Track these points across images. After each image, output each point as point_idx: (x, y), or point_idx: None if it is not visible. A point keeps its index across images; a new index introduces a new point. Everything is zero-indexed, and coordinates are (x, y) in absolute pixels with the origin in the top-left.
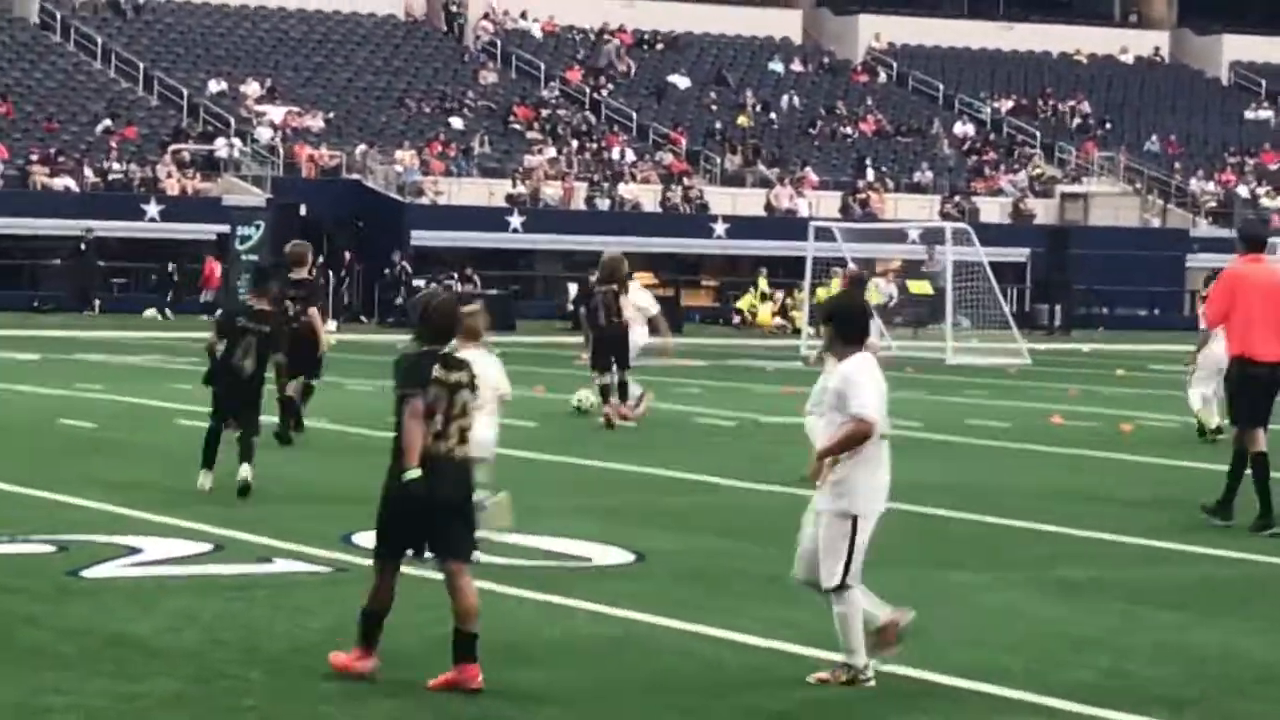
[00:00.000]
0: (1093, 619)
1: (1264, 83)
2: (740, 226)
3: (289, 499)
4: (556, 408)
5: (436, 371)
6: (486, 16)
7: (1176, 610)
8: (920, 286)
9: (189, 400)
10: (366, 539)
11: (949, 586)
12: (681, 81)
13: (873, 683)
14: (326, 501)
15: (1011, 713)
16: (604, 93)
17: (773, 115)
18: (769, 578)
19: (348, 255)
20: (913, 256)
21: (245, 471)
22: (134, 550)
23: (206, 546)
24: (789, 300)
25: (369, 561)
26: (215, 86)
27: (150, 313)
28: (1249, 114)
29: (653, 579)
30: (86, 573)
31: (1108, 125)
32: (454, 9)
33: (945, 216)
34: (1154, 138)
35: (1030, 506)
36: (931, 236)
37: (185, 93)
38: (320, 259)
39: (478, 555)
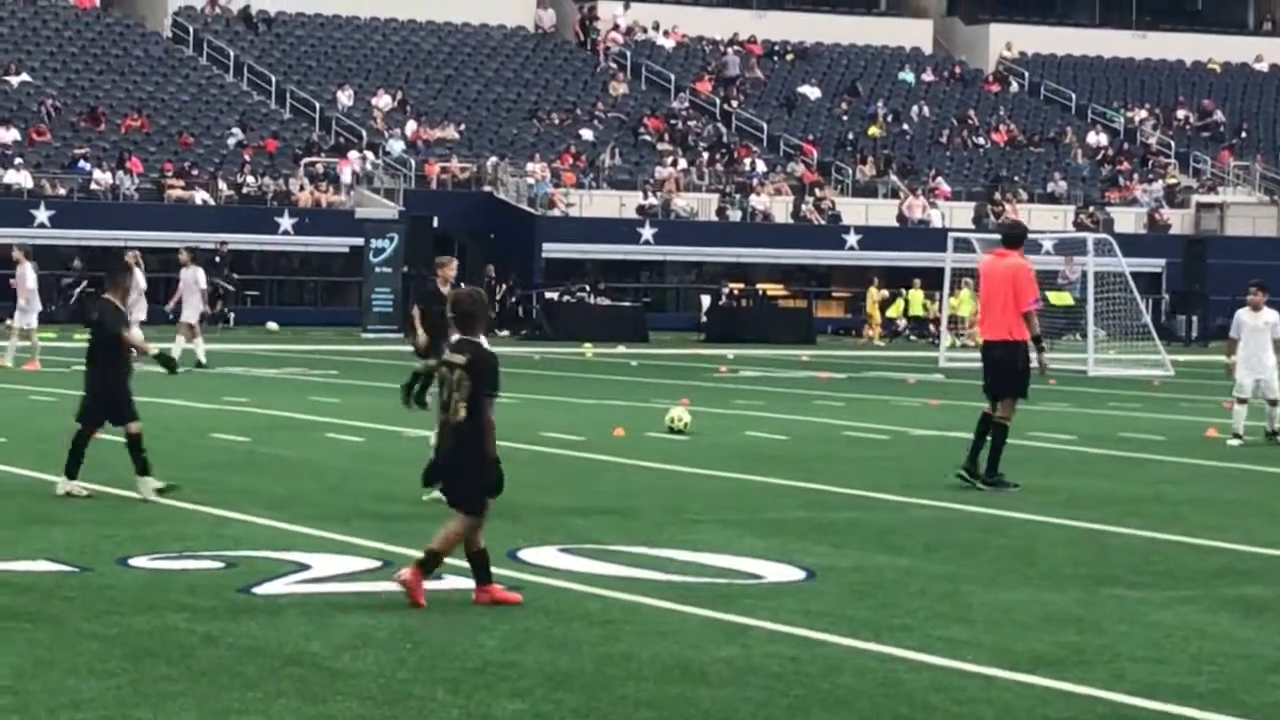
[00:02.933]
0: (1276, 638)
1: None
2: (872, 237)
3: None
4: (707, 421)
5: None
6: (616, 28)
7: None
8: (1060, 298)
9: (334, 413)
10: (533, 555)
11: (1120, 602)
12: (812, 92)
13: None
14: (492, 515)
15: None
16: (734, 104)
17: (904, 125)
18: (941, 595)
19: (491, 268)
20: (1048, 267)
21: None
22: (303, 566)
23: (374, 563)
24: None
25: (538, 579)
26: (350, 99)
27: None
28: None
29: (826, 596)
30: (258, 590)
31: (1243, 134)
32: (586, 22)
33: (1079, 227)
34: None
35: (1197, 521)
36: (1070, 247)
37: (318, 106)
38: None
39: None
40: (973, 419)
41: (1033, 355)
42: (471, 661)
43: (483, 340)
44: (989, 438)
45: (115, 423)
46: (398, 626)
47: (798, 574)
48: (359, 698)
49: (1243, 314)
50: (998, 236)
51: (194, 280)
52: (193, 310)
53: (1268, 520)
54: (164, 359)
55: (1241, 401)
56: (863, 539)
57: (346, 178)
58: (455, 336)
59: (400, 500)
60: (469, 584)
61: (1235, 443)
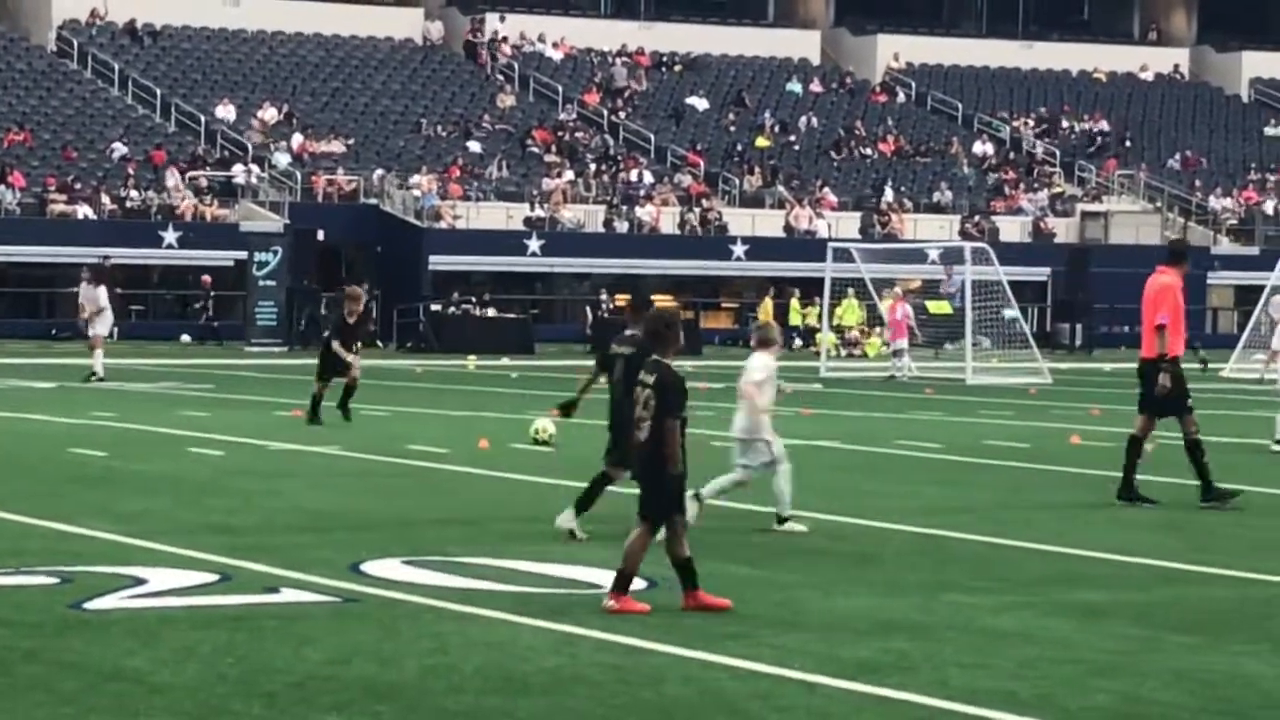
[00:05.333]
0: (1107, 642)
1: None
2: (759, 248)
3: (300, 528)
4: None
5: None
6: (505, 40)
7: (1188, 633)
8: (939, 307)
9: (201, 428)
10: (376, 567)
11: (957, 609)
12: (699, 103)
13: None
14: (337, 530)
15: None
16: (622, 115)
17: (791, 136)
18: (778, 602)
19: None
20: (932, 276)
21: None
22: (139, 581)
23: (213, 577)
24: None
25: (377, 591)
26: (234, 113)
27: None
28: (1269, 130)
29: (663, 606)
30: (89, 605)
31: (1128, 143)
32: (473, 35)
33: (965, 236)
34: (1174, 155)
35: (1044, 527)
36: (951, 256)
37: (203, 119)
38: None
39: None
40: (847, 428)
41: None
42: (294, 675)
43: (671, 361)
44: (1198, 457)
45: None
46: (224, 641)
47: (639, 584)
48: (173, 713)
49: None
50: (881, 246)
51: (95, 297)
52: (104, 325)
53: (1114, 526)
54: None
55: None
56: (710, 548)
57: (238, 183)
58: (649, 356)
59: (251, 513)
60: (308, 597)
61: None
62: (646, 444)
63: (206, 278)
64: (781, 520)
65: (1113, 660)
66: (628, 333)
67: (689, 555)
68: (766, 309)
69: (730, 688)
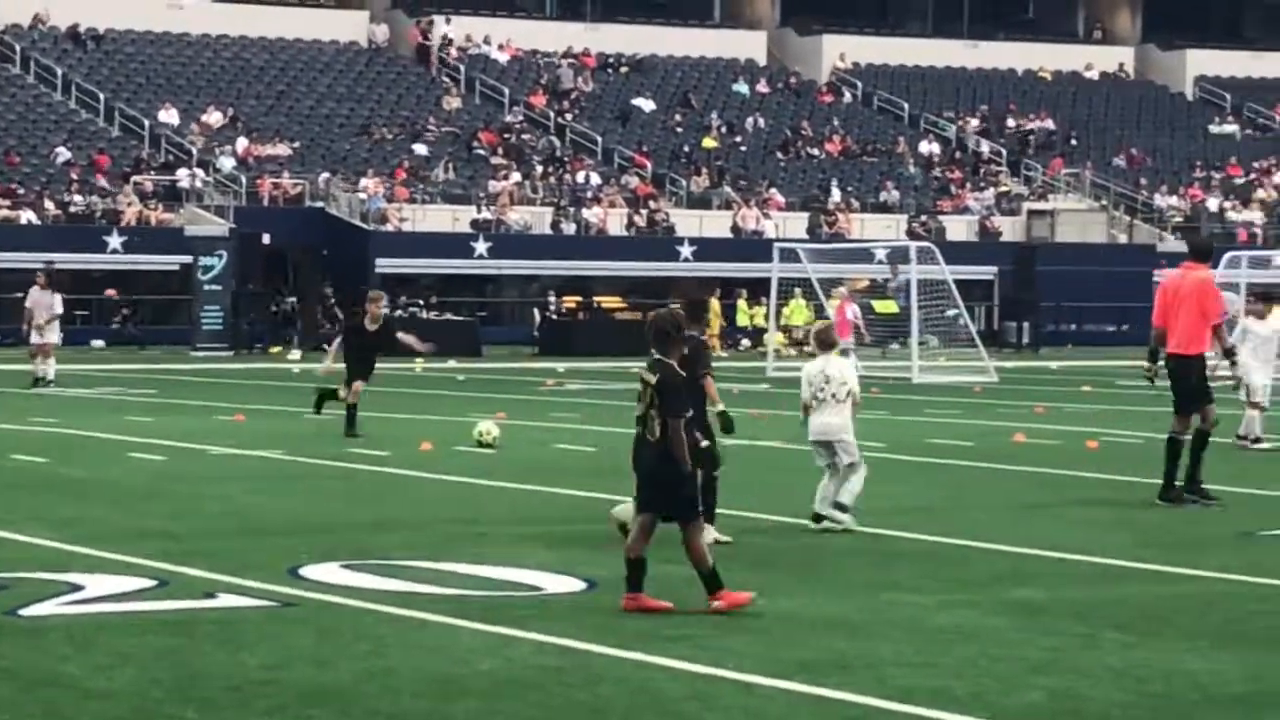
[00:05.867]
0: (1046, 640)
1: (1228, 96)
2: (707, 248)
3: (239, 532)
4: (519, 434)
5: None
6: (450, 42)
7: (1127, 630)
8: (886, 306)
9: (143, 433)
10: (314, 571)
11: (899, 608)
12: (646, 104)
13: None
14: (276, 534)
15: None
16: (568, 117)
17: (738, 137)
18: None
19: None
20: (879, 276)
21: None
22: (76, 587)
23: (150, 582)
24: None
25: (315, 595)
26: (177, 117)
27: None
28: (1213, 128)
29: (603, 608)
30: (24, 611)
31: (1073, 142)
32: (425, 38)
33: (912, 235)
34: (1120, 154)
35: (987, 526)
36: (897, 256)
37: (147, 123)
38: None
39: None
40: (793, 429)
41: (1222, 366)
42: (230, 680)
43: (674, 361)
44: (1197, 450)
45: None
46: (162, 646)
47: (579, 585)
48: (107, 718)
49: (1248, 323)
50: (828, 246)
51: (51, 303)
52: (56, 331)
53: (1057, 523)
54: None
55: (1258, 406)
56: (654, 550)
57: (182, 187)
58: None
59: (191, 518)
60: (245, 601)
61: (1267, 445)
62: (659, 440)
63: (111, 290)
64: (842, 508)
65: (1051, 658)
66: (685, 333)
67: (644, 558)
68: (714, 310)
69: (667, 688)
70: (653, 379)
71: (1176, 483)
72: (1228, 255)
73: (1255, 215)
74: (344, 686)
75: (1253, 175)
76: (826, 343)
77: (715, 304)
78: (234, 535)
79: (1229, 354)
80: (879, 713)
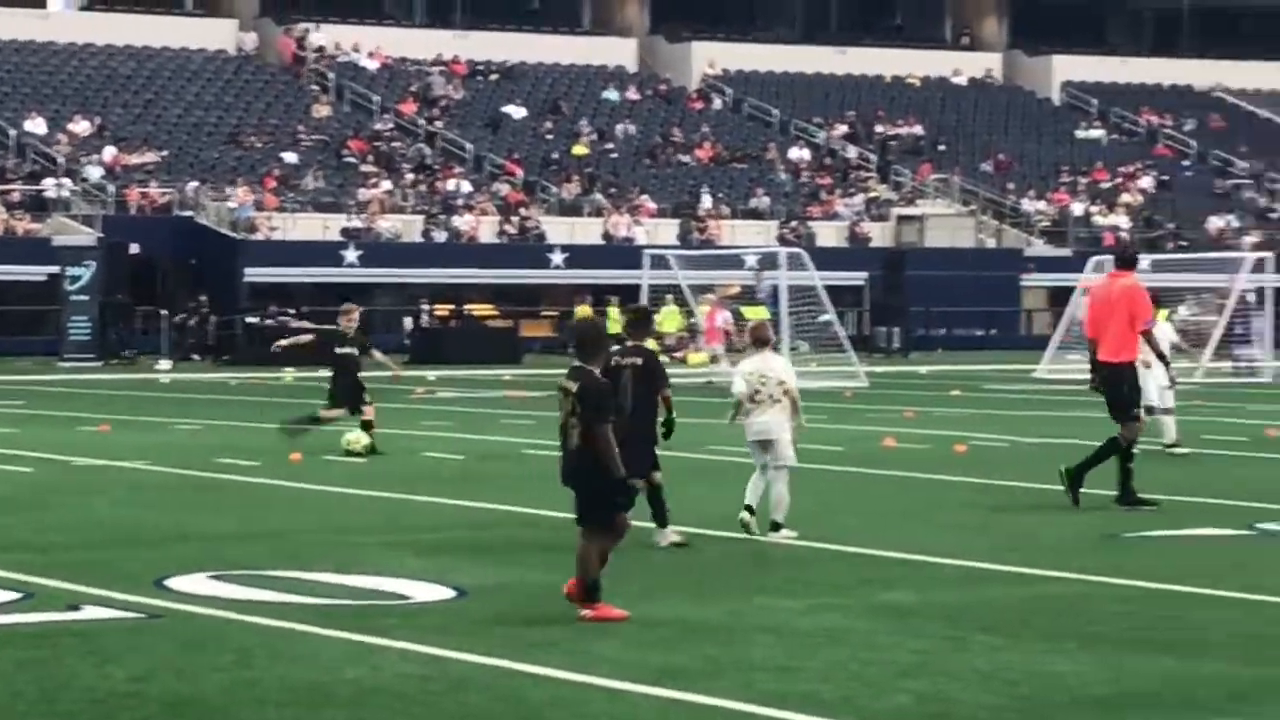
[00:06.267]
0: (915, 643)
1: (1095, 102)
2: (578, 255)
3: (105, 544)
4: (389, 443)
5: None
6: (319, 50)
7: (995, 633)
8: (756, 312)
9: (9, 444)
10: (181, 583)
11: (768, 613)
12: (516, 112)
13: None
14: (143, 545)
15: None
16: (439, 124)
17: (609, 144)
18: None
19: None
20: (749, 282)
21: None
22: None
23: (14, 595)
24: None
25: (181, 606)
26: (44, 126)
27: None
28: (1080, 133)
29: (471, 615)
30: None
31: (941, 147)
32: (299, 47)
33: (783, 241)
34: (988, 159)
35: (856, 530)
36: (767, 262)
37: (13, 133)
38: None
39: None
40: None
41: (1159, 369)
42: (95, 693)
43: (596, 370)
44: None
45: None
46: (25, 659)
47: (448, 593)
48: None
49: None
50: (698, 253)
51: None
52: None
53: (926, 527)
54: None
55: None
56: (524, 557)
57: (49, 197)
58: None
59: (56, 530)
60: (110, 613)
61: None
62: (580, 447)
63: None
64: (777, 527)
65: (919, 660)
66: (629, 344)
67: (598, 579)
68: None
69: (533, 695)
70: (573, 386)
71: (1130, 485)
72: (1093, 259)
73: (1121, 219)
74: (209, 697)
75: (1119, 179)
76: (762, 339)
77: (586, 311)
78: (100, 547)
79: (1161, 356)
80: (748, 717)
